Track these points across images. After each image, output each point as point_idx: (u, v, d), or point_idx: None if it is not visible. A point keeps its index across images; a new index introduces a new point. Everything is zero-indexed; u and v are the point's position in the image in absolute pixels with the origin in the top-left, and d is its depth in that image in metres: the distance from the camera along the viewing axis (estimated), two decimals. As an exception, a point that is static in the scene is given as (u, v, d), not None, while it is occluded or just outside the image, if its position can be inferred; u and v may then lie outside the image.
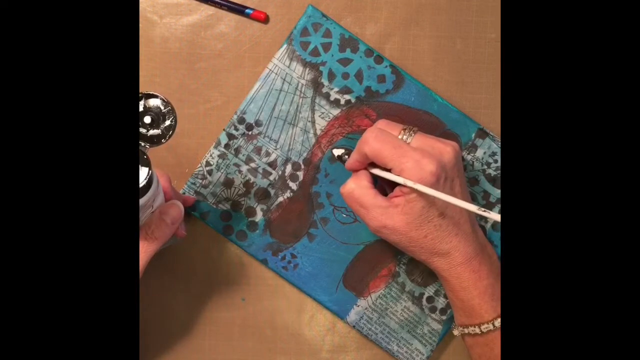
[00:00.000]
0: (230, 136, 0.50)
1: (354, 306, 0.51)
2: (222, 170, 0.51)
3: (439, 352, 0.52)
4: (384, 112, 0.50)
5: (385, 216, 0.44)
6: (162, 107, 0.38)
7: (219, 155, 0.51)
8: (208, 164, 0.51)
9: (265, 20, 0.51)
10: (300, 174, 0.51)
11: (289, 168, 0.51)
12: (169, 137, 0.38)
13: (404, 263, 0.51)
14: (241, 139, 0.50)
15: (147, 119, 0.37)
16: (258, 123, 0.50)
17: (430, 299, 0.51)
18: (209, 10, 0.51)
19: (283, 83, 0.50)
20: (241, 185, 0.51)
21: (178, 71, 0.51)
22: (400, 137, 0.44)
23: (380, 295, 0.51)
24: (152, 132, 0.37)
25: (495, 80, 0.51)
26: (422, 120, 0.50)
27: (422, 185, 0.42)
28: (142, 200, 0.38)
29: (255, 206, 0.51)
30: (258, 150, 0.50)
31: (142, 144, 0.37)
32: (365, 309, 0.51)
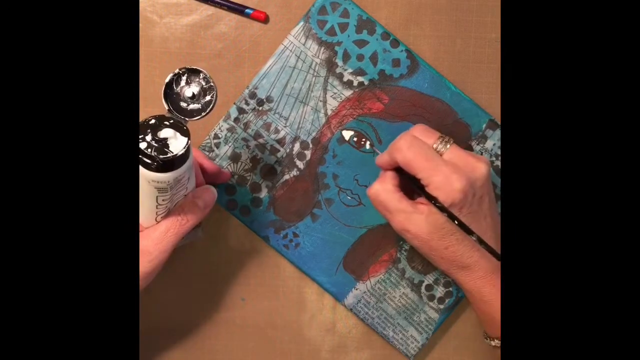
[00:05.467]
0: (241, 110, 0.50)
1: (353, 289, 0.51)
2: (229, 144, 0.50)
3: (435, 341, 0.52)
4: (397, 97, 0.50)
5: (408, 222, 0.44)
6: (204, 83, 0.39)
7: (227, 129, 0.50)
8: (216, 136, 0.50)
9: (265, 20, 0.51)
10: (308, 153, 0.50)
11: (297, 146, 0.50)
12: (209, 112, 0.39)
13: (405, 249, 0.51)
14: (251, 114, 0.50)
15: (189, 93, 0.38)
16: (269, 99, 0.50)
17: (429, 287, 0.51)
18: (209, 10, 0.51)
19: (297, 60, 0.50)
20: (248, 160, 0.50)
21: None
22: (435, 145, 0.44)
23: (380, 280, 0.51)
24: (192, 106, 0.39)
25: (495, 80, 0.51)
26: (434, 107, 0.50)
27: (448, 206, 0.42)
28: (178, 172, 0.38)
29: (260, 182, 0.51)
30: (267, 126, 0.50)
31: (182, 117, 0.38)
32: (364, 292, 0.51)
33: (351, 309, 0.51)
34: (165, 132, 0.37)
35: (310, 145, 0.50)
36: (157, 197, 0.39)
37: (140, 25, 0.51)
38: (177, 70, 0.38)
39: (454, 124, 0.50)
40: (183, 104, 0.38)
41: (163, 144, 0.37)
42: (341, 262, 0.51)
